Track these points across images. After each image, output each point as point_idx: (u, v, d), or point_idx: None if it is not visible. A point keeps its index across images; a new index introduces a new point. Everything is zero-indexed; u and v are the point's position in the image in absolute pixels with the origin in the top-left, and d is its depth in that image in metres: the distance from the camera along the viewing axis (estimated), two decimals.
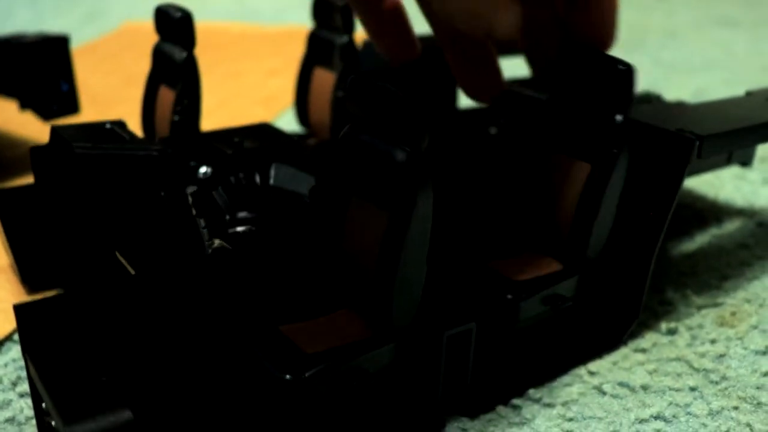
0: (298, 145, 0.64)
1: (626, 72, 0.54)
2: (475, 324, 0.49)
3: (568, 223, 0.56)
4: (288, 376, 0.43)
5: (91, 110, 1.07)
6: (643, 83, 1.22)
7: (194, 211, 0.47)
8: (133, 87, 1.07)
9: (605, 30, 0.55)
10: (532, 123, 0.59)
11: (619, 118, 0.54)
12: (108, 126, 0.59)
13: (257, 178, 0.58)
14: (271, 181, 0.58)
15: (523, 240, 0.60)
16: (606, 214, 0.55)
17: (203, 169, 0.51)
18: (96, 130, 0.58)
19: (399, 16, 0.62)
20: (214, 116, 1.02)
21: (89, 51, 1.51)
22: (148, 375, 0.44)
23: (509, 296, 0.52)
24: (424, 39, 0.87)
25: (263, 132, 0.67)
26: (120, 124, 0.59)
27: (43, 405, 0.43)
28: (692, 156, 0.57)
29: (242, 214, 0.54)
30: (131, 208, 0.50)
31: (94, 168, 0.52)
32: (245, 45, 1.57)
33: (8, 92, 0.92)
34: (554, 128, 0.58)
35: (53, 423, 0.42)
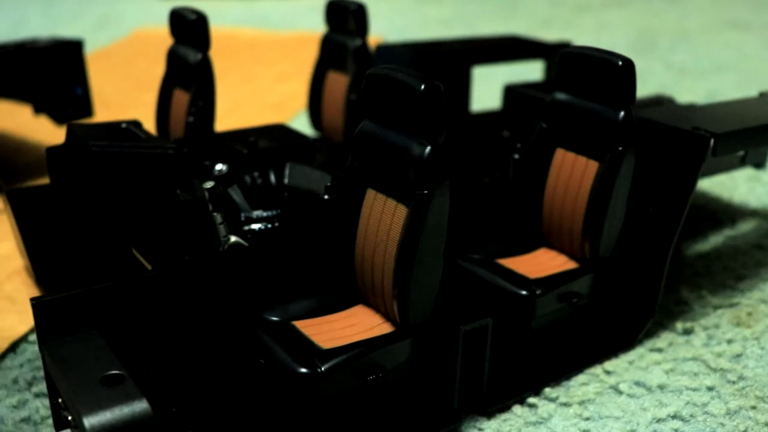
0: (313, 145, 0.64)
1: (626, 67, 0.54)
2: (492, 320, 0.49)
3: (580, 221, 0.56)
4: (304, 370, 0.43)
5: (103, 115, 1.07)
6: (654, 86, 1.22)
7: (211, 207, 0.47)
8: (145, 92, 1.08)
9: None
10: (544, 122, 0.59)
11: (622, 114, 0.54)
12: (124, 125, 0.59)
13: (272, 177, 0.59)
14: (286, 180, 0.59)
15: (538, 237, 0.60)
16: (616, 212, 0.55)
17: (219, 167, 0.51)
18: (112, 129, 0.58)
19: None
20: (225, 121, 1.02)
21: (102, 57, 1.52)
22: (166, 368, 0.44)
23: (525, 292, 0.52)
24: (426, 44, 0.88)
25: (278, 132, 0.67)
26: (136, 124, 0.59)
27: (59, 399, 0.44)
28: (707, 154, 0.57)
29: (257, 213, 0.54)
30: (147, 205, 0.50)
31: (111, 166, 0.52)
32: (256, 51, 1.57)
33: (22, 97, 0.92)
34: (562, 127, 0.58)
35: (70, 417, 0.42)
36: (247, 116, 1.16)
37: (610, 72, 0.54)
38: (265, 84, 1.34)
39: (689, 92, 1.23)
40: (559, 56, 0.58)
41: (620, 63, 0.54)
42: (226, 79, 1.36)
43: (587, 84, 0.56)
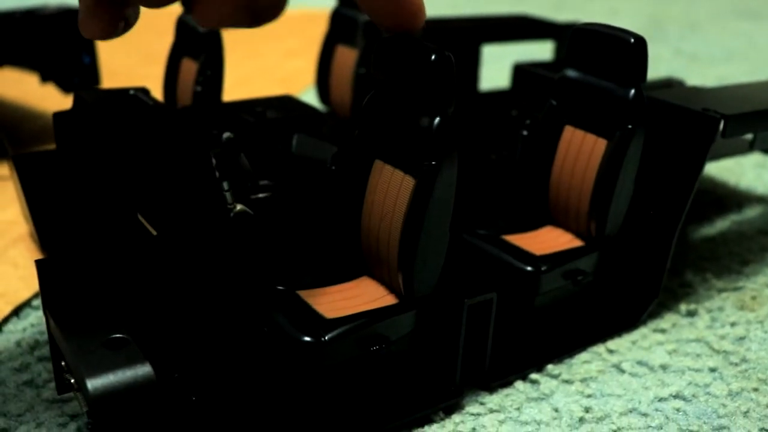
0: (321, 117, 0.64)
1: (638, 44, 0.53)
2: (496, 294, 0.49)
3: (587, 199, 0.56)
4: (308, 339, 0.42)
5: (111, 86, 1.07)
6: (664, 73, 1.22)
7: (217, 174, 0.47)
8: (152, 65, 1.07)
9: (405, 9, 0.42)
10: (552, 99, 0.58)
11: (632, 92, 0.54)
12: (132, 92, 0.59)
13: (280, 147, 0.58)
14: (293, 150, 0.58)
15: (544, 215, 0.59)
16: (623, 191, 0.55)
17: (226, 134, 0.51)
18: (120, 95, 0.58)
19: None
20: (233, 95, 1.02)
21: None
22: (170, 334, 0.44)
23: (530, 268, 0.52)
24: (436, 21, 0.87)
25: (286, 103, 0.67)
26: (143, 91, 0.59)
27: (63, 362, 0.44)
28: (716, 135, 0.57)
29: (264, 182, 0.54)
30: (154, 171, 0.50)
31: (118, 131, 0.52)
32: (264, 27, 1.57)
33: (30, 64, 0.91)
34: (572, 104, 0.57)
35: (72, 380, 0.42)
36: (255, 91, 1.15)
37: (621, 49, 0.54)
38: (273, 60, 1.34)
39: (698, 79, 1.22)
40: (571, 32, 0.57)
41: (632, 40, 0.53)
42: (234, 54, 1.35)
43: (598, 61, 0.55)
